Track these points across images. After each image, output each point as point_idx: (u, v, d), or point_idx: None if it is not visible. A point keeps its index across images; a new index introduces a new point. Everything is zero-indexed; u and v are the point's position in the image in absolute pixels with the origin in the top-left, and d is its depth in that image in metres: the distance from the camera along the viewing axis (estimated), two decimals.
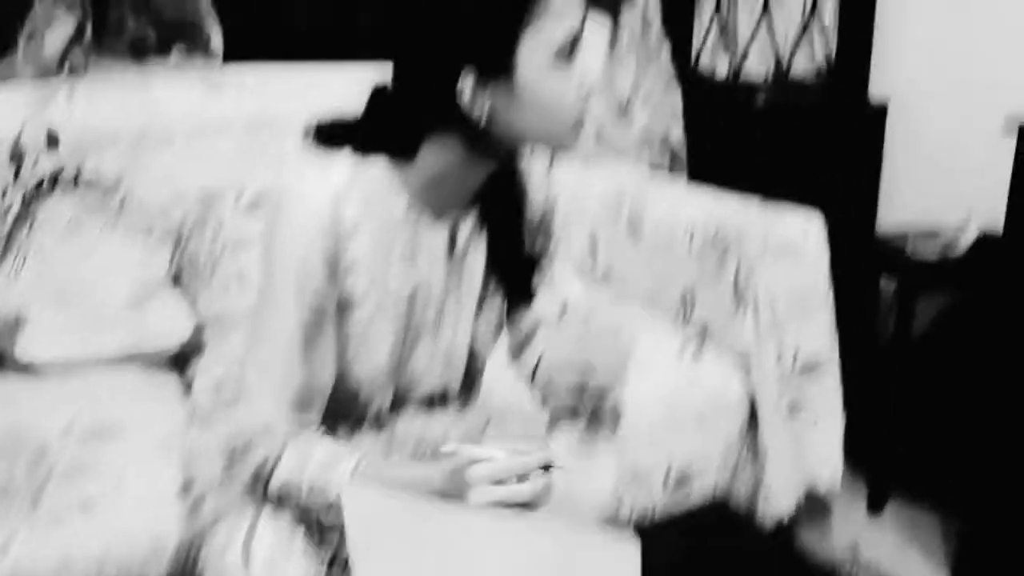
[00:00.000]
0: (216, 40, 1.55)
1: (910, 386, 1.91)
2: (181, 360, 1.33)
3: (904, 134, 2.17)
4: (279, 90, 1.51)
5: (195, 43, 1.53)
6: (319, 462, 0.80)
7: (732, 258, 1.43)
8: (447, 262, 0.90)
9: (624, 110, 2.08)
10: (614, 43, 2.07)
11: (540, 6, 0.73)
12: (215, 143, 1.42)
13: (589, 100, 0.79)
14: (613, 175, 1.90)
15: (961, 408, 1.76)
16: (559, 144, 0.81)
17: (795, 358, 1.43)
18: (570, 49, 0.76)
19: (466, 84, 0.75)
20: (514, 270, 0.94)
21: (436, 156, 0.82)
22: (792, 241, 1.39)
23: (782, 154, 2.09)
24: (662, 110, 2.09)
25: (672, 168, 2.12)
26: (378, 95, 0.84)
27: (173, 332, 1.30)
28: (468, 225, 0.90)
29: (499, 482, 0.78)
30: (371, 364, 0.87)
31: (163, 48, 1.52)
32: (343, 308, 0.84)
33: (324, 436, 0.85)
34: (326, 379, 0.85)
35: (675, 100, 2.09)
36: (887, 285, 2.11)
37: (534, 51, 0.74)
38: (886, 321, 2.22)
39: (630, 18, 2.02)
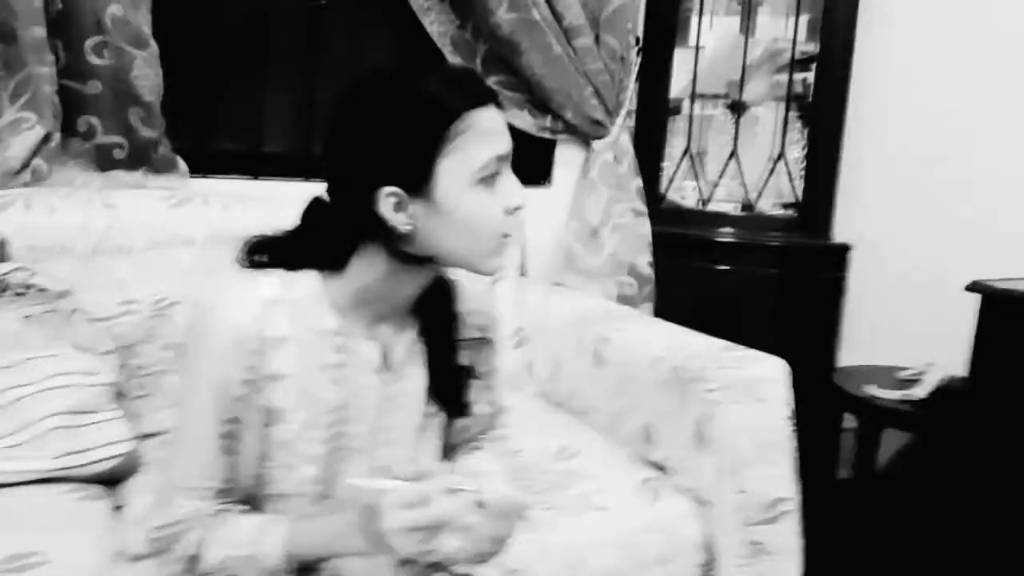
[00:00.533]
0: (181, 163, 1.57)
1: (871, 523, 1.90)
2: (116, 480, 1.27)
3: (867, 276, 2.25)
4: (243, 205, 1.52)
5: (162, 162, 1.55)
6: (249, 536, 0.83)
7: (695, 397, 1.43)
8: (382, 377, 0.90)
9: (594, 236, 2.13)
10: (587, 171, 2.14)
11: (460, 132, 0.78)
12: (174, 255, 1.42)
13: (513, 222, 0.82)
14: (580, 300, 1.92)
15: (923, 546, 1.75)
16: (480, 263, 0.83)
17: (755, 501, 1.41)
18: (493, 173, 0.80)
19: (390, 200, 0.79)
20: (449, 386, 0.95)
21: (364, 269, 0.85)
22: (755, 385, 1.40)
23: (747, 286, 2.15)
24: (631, 238, 2.14)
25: (639, 296, 2.16)
26: (310, 210, 0.88)
27: (110, 450, 1.25)
28: (405, 340, 0.92)
29: (410, 506, 0.77)
30: (299, 476, 0.87)
31: (132, 162, 1.53)
32: (271, 419, 0.85)
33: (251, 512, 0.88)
34: (250, 483, 0.87)
35: (644, 229, 2.15)
36: (849, 420, 2.15)
37: (454, 173, 0.78)
38: (848, 458, 2.24)
39: (602, 147, 2.10)
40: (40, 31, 1.39)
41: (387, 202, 0.79)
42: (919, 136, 2.16)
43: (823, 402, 2.00)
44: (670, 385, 1.50)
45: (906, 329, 2.17)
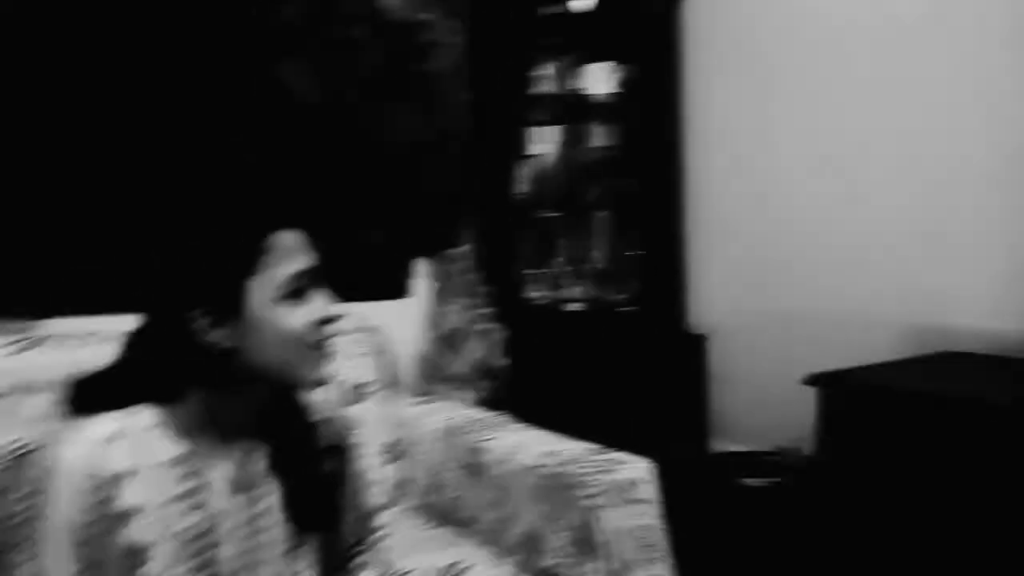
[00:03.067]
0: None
1: None
2: None
3: (724, 362, 2.53)
4: (98, 342, 1.52)
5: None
6: None
7: (573, 502, 1.56)
8: (239, 499, 0.97)
9: (451, 345, 2.29)
10: (441, 286, 2.32)
11: (264, 252, 0.89)
12: (31, 400, 1.40)
13: (322, 333, 0.93)
14: (450, 410, 2.05)
15: None
16: (297, 373, 0.93)
17: None
18: (298, 288, 0.91)
19: (205, 320, 0.88)
20: (311, 499, 1.02)
21: (197, 395, 0.93)
22: (632, 486, 1.55)
23: (607, 381, 2.37)
24: (485, 343, 2.33)
25: (497, 397, 2.32)
26: (132, 343, 0.95)
27: None
28: (259, 459, 0.99)
29: None
30: None
31: None
32: (135, 560, 0.88)
33: None
34: None
35: (495, 334, 2.35)
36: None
37: (261, 290, 0.89)
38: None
39: (452, 265, 2.30)
40: None
41: (202, 323, 0.89)
42: (760, 232, 2.46)
43: (693, 492, 2.20)
44: (548, 492, 1.62)
45: (765, 413, 2.41)
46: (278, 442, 1.01)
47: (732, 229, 2.54)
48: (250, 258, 0.89)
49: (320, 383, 0.96)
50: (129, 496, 0.88)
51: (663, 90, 2.44)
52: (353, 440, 1.14)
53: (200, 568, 0.93)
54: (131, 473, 0.88)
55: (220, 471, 0.95)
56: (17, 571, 1.32)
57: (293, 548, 1.02)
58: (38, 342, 1.47)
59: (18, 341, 1.46)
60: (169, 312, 0.91)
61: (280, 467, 1.00)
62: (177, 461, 0.92)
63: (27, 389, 1.41)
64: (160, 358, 0.93)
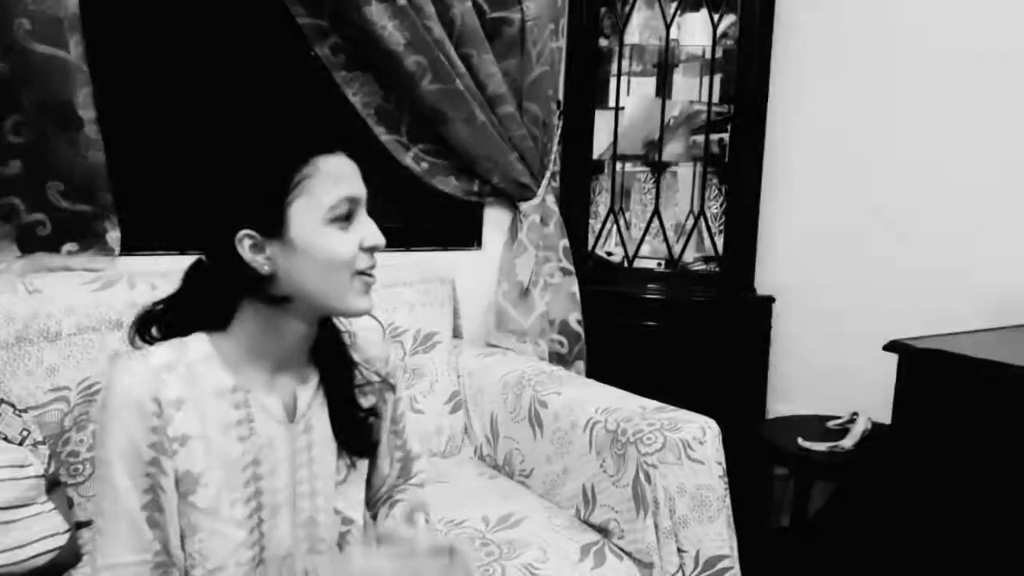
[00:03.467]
0: (113, 234, 1.66)
1: (808, 572, 2.08)
2: (54, 573, 1.32)
3: (791, 328, 2.49)
4: (170, 283, 1.61)
5: (90, 237, 1.64)
6: None
7: (632, 458, 1.58)
8: (289, 429, 1.00)
9: (524, 296, 2.30)
10: (515, 233, 2.32)
11: (308, 175, 0.90)
12: (102, 339, 1.50)
13: (369, 260, 0.95)
14: (514, 362, 2.08)
15: None
16: (342, 302, 0.95)
17: (696, 560, 1.56)
18: (346, 213, 0.92)
19: (246, 241, 0.90)
20: (353, 430, 1.06)
21: (247, 322, 0.96)
22: (690, 445, 1.55)
23: (675, 341, 2.35)
24: (560, 297, 2.33)
25: (570, 355, 2.33)
26: (189, 274, 1.01)
27: (45, 544, 1.30)
28: (307, 391, 1.03)
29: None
30: (229, 543, 0.95)
31: (56, 240, 1.61)
32: (188, 486, 0.93)
33: None
34: (183, 562, 0.94)
35: (573, 288, 2.34)
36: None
37: (305, 213, 0.90)
38: (779, 505, 2.45)
39: (529, 209, 2.29)
40: None
41: (244, 244, 0.91)
42: (834, 191, 2.41)
43: (754, 454, 2.21)
44: (606, 448, 1.65)
45: (831, 379, 2.40)
46: (328, 375, 1.04)
47: (809, 192, 2.48)
48: (293, 180, 0.90)
49: (362, 313, 0.97)
50: (182, 423, 0.93)
51: (758, 46, 2.34)
52: (397, 380, 1.16)
53: (252, 497, 0.98)
54: (183, 401, 0.93)
55: (271, 400, 0.99)
56: (80, 506, 1.46)
57: (344, 479, 1.06)
58: (115, 280, 1.56)
59: (98, 279, 1.55)
60: (218, 235, 0.93)
61: (329, 396, 1.04)
62: (228, 390, 0.96)
63: (104, 327, 1.50)
64: (213, 288, 0.97)
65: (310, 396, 1.03)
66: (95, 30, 1.61)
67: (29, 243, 1.59)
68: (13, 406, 1.34)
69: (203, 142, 1.81)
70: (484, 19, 2.09)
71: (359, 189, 0.95)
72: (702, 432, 1.59)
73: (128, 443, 0.90)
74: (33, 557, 1.29)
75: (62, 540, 1.33)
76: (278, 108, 1.95)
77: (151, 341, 0.99)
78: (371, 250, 0.95)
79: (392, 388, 1.15)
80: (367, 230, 0.95)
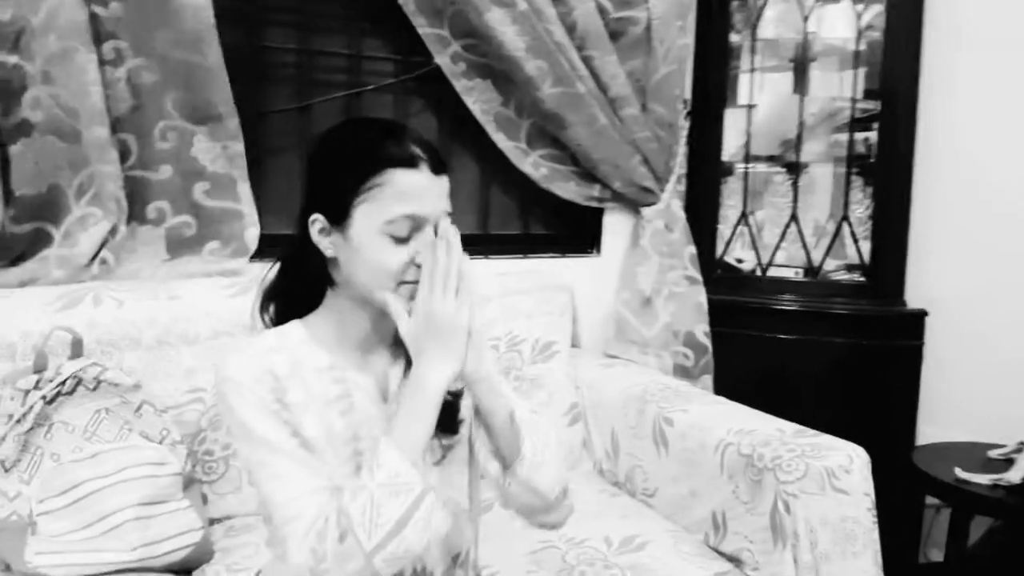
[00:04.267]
0: (251, 233, 1.81)
1: None
2: (188, 569, 1.45)
3: (945, 344, 2.36)
4: None
5: (230, 236, 1.79)
6: (364, 477, 0.94)
7: (769, 486, 1.54)
8: (382, 408, 1.07)
9: (647, 305, 2.30)
10: (637, 239, 2.33)
11: (377, 184, 0.98)
12: (237, 343, 1.62)
13: (413, 273, 1.00)
14: (637, 375, 2.08)
15: None
16: (380, 296, 1.01)
17: None
18: (404, 231, 0.99)
19: (316, 224, 1.01)
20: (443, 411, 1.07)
21: (331, 304, 1.06)
22: (835, 474, 1.50)
23: (813, 357, 2.29)
24: (686, 307, 2.31)
25: (696, 368, 2.32)
26: (283, 260, 1.11)
27: (182, 540, 1.43)
28: (397, 372, 1.10)
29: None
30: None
31: (199, 241, 1.77)
32: (310, 450, 1.00)
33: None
34: None
35: (699, 297, 2.32)
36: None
37: (367, 217, 0.99)
38: (928, 537, 2.33)
39: (653, 214, 2.29)
40: (103, 131, 1.63)
41: (315, 226, 1.02)
42: (996, 192, 2.29)
43: (903, 483, 2.11)
44: (740, 473, 1.61)
45: (990, 402, 2.27)
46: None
47: (967, 194, 2.35)
48: (363, 185, 0.99)
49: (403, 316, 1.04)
50: (292, 397, 1.01)
51: (907, 37, 2.26)
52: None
53: (355, 471, 1.03)
54: (291, 377, 1.02)
55: (365, 379, 1.07)
56: (218, 500, 1.58)
57: (439, 459, 1.12)
58: (249, 287, 1.68)
59: (233, 286, 1.68)
60: (301, 216, 1.04)
61: None
62: (326, 368, 1.05)
63: (239, 331, 1.63)
64: (301, 272, 1.07)
65: (400, 378, 1.10)
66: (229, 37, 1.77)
67: (175, 245, 1.76)
68: (154, 407, 1.48)
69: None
70: (607, 19, 2.12)
71: (427, 209, 1.01)
72: (848, 460, 1.53)
73: (258, 400, 0.98)
74: (169, 552, 1.41)
75: (197, 536, 1.45)
76: (381, 119, 2.07)
77: (267, 322, 1.10)
78: (419, 267, 1.02)
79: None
80: (423, 252, 1.01)
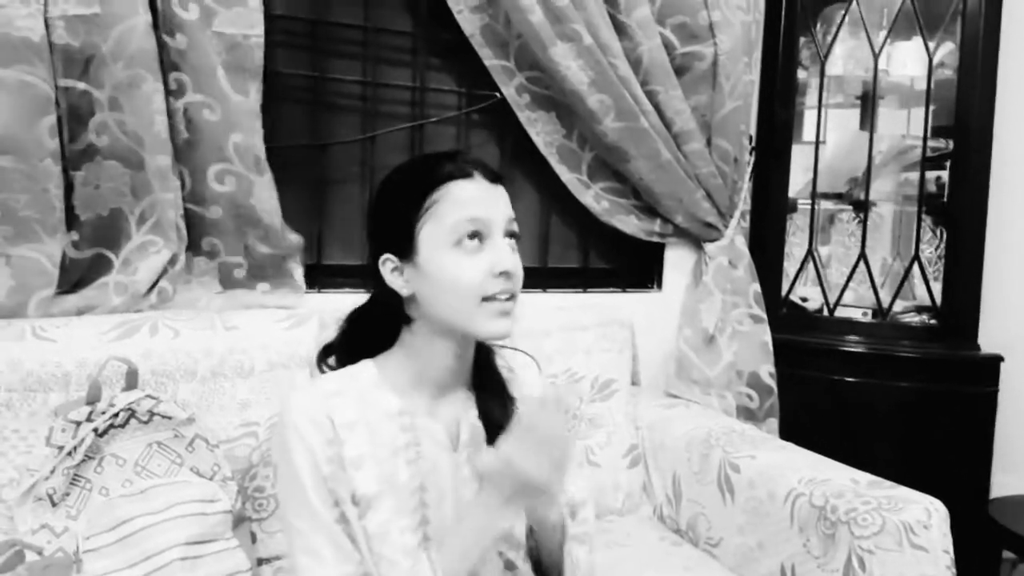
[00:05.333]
0: (299, 274, 1.71)
1: None
2: None
3: (1018, 390, 2.19)
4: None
5: (280, 277, 1.70)
6: None
7: (843, 540, 1.41)
8: (452, 456, 0.99)
9: (709, 343, 2.16)
10: (699, 275, 2.20)
11: (436, 200, 0.94)
12: (293, 376, 1.53)
13: (498, 285, 0.93)
14: (700, 417, 1.94)
15: None
16: (469, 325, 0.94)
17: None
18: (472, 236, 0.93)
19: (387, 265, 0.96)
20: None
21: (406, 346, 0.99)
22: (913, 529, 1.37)
23: (880, 402, 2.12)
24: (750, 346, 2.17)
25: (761, 411, 2.16)
26: (354, 311, 1.05)
27: None
28: (468, 421, 1.02)
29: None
30: (398, 569, 0.93)
31: (251, 278, 1.68)
32: (363, 508, 0.93)
33: None
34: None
35: (764, 337, 2.17)
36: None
37: (432, 237, 0.93)
38: None
39: (716, 251, 2.16)
40: (166, 159, 1.56)
41: (386, 267, 0.96)
42: None
43: (977, 537, 1.94)
44: (812, 525, 1.49)
45: None
46: (487, 408, 1.03)
47: None
48: (423, 204, 0.94)
49: (494, 336, 0.96)
50: (355, 446, 0.94)
51: (981, 75, 2.11)
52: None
53: (419, 524, 0.96)
54: (355, 424, 0.94)
55: (435, 426, 0.99)
56: (263, 543, 1.48)
57: None
58: (306, 319, 1.59)
59: (290, 317, 1.59)
60: (371, 259, 0.99)
61: (487, 429, 1.02)
62: (396, 413, 0.97)
63: (294, 364, 1.54)
64: (374, 313, 1.02)
65: (472, 426, 1.02)
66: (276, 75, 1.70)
67: (227, 281, 1.67)
68: (207, 441, 1.38)
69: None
70: (673, 55, 2.01)
71: (489, 212, 0.95)
72: (927, 515, 1.40)
73: (310, 455, 0.92)
74: None
75: None
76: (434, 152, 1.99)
77: (327, 371, 1.03)
78: (504, 276, 0.94)
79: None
80: (499, 254, 0.94)
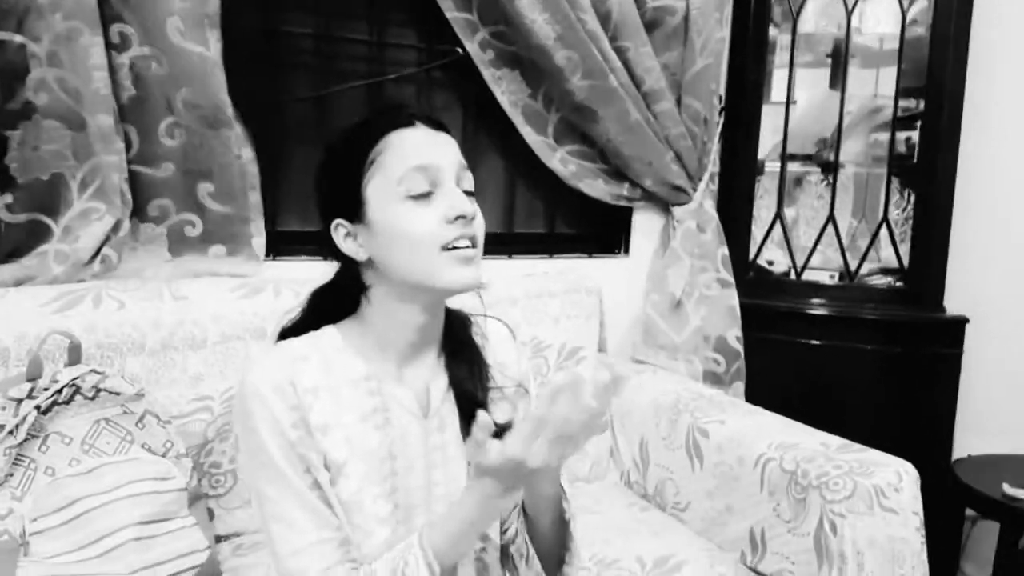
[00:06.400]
0: (258, 240, 1.63)
1: None
2: None
3: (985, 353, 2.21)
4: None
5: (237, 242, 1.61)
6: (391, 563, 0.85)
7: (815, 504, 1.40)
8: (422, 424, 0.95)
9: (677, 309, 2.13)
10: (667, 240, 2.16)
11: (379, 152, 0.88)
12: (248, 348, 1.46)
13: (455, 232, 0.87)
14: (667, 382, 1.92)
15: None
16: (433, 278, 0.88)
17: None
18: (423, 189, 0.87)
19: (340, 231, 0.90)
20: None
21: (368, 310, 0.94)
22: (884, 492, 1.37)
23: (847, 364, 2.12)
24: (718, 311, 2.14)
25: (727, 375, 2.15)
26: (315, 294, 0.99)
27: (186, 561, 1.27)
28: (438, 388, 0.97)
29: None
30: (375, 540, 0.90)
31: (204, 242, 1.60)
32: (334, 474, 0.89)
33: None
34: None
35: (732, 301, 2.15)
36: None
37: (380, 191, 0.88)
38: (967, 549, 2.17)
39: (684, 214, 2.12)
40: (107, 119, 1.46)
41: (338, 233, 0.90)
42: None
43: (942, 496, 1.96)
44: (783, 490, 1.48)
45: None
46: (458, 374, 0.98)
47: (1012, 198, 2.21)
48: (365, 159, 0.89)
49: (461, 287, 0.90)
50: (320, 411, 0.89)
51: (955, 34, 2.08)
52: (531, 387, 1.08)
53: (390, 495, 0.92)
54: (319, 389, 0.90)
55: (403, 391, 0.95)
56: (226, 516, 1.43)
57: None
58: (261, 288, 1.52)
59: (244, 286, 1.52)
60: (322, 227, 0.93)
61: (458, 398, 0.98)
62: (361, 378, 0.93)
63: (249, 336, 1.47)
64: (334, 280, 0.96)
65: (443, 393, 0.97)
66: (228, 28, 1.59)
67: (178, 245, 1.58)
68: (158, 417, 1.31)
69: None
70: (643, 9, 1.94)
71: (436, 158, 0.89)
72: (897, 477, 1.40)
73: (274, 423, 0.87)
74: (175, 571, 1.25)
75: (202, 557, 1.29)
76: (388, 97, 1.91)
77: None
78: (460, 220, 0.88)
79: (527, 395, 1.06)
80: (452, 200, 0.88)
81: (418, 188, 0.87)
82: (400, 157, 0.88)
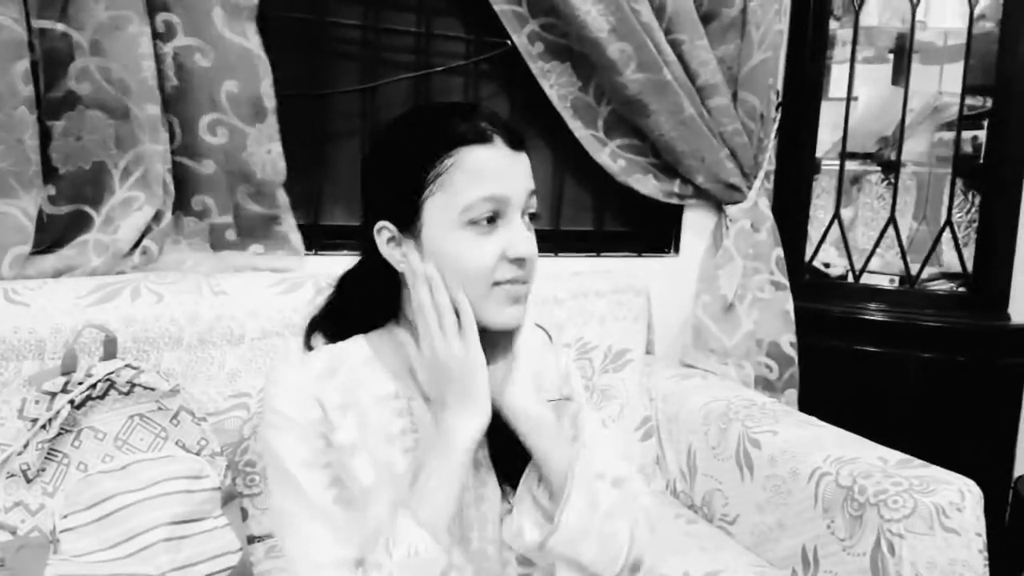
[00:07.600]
0: (295, 237, 1.57)
1: None
2: None
3: None
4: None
5: (274, 238, 1.55)
6: (382, 549, 0.78)
7: (871, 523, 1.30)
8: None
9: (728, 311, 2.02)
10: (720, 239, 2.05)
11: (446, 168, 0.79)
12: (287, 344, 1.40)
13: (511, 271, 0.81)
14: (718, 389, 1.81)
15: None
16: (481, 313, 0.81)
17: None
18: (487, 216, 0.79)
19: (383, 233, 0.83)
20: (509, 456, 0.88)
21: (402, 326, 0.88)
22: (945, 512, 1.26)
23: (906, 373, 1.99)
24: (771, 315, 2.03)
25: (780, 381, 2.03)
26: (347, 274, 0.93)
27: (217, 563, 1.21)
28: None
29: None
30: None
31: (243, 239, 1.54)
32: (361, 499, 0.83)
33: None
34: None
35: (786, 305, 2.03)
36: None
37: (439, 212, 0.79)
38: None
39: (738, 213, 2.01)
40: (154, 108, 1.41)
41: (382, 236, 0.83)
42: None
43: (1004, 518, 1.83)
44: (838, 506, 1.37)
45: None
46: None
47: None
48: (430, 173, 0.80)
49: (503, 327, 0.83)
50: (346, 432, 0.83)
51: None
52: (577, 395, 1.01)
53: None
54: (346, 407, 0.84)
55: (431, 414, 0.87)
56: (255, 519, 1.37)
57: (511, 510, 0.89)
58: (300, 283, 1.46)
59: (283, 281, 1.45)
60: (364, 226, 0.86)
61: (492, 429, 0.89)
62: (390, 397, 0.86)
63: (288, 332, 1.41)
64: (363, 286, 0.90)
65: None
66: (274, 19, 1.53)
67: (220, 240, 1.53)
68: (192, 414, 1.26)
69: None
70: (699, 1, 1.84)
71: (510, 188, 0.80)
72: (960, 496, 1.29)
73: (300, 437, 0.81)
74: (207, 571, 1.20)
75: (234, 559, 1.23)
76: (446, 102, 1.83)
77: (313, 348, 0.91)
78: (517, 263, 0.81)
79: (574, 403, 0.98)
80: (515, 237, 0.80)
81: (482, 217, 0.79)
82: (470, 182, 0.79)
